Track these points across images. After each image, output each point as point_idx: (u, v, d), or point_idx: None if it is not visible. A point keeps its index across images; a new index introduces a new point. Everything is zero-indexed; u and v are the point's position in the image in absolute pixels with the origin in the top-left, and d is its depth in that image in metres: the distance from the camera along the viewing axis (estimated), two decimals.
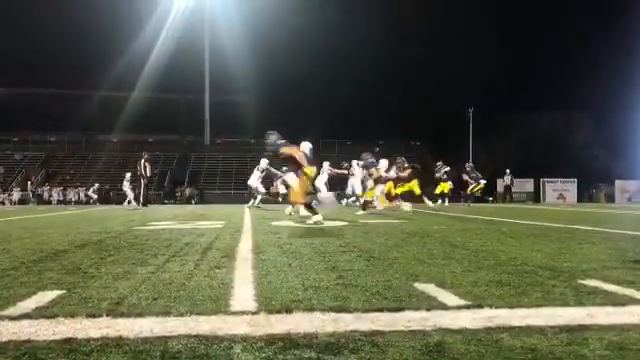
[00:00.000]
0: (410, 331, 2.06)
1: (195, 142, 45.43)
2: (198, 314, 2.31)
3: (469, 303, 2.52)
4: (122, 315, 2.30)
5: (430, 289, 2.85)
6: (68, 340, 1.93)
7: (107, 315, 2.29)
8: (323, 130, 39.67)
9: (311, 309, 2.40)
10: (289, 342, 1.92)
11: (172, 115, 45.98)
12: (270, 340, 1.94)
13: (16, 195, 34.28)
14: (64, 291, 2.83)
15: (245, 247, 5.06)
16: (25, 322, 2.19)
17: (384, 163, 13.77)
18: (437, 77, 43.72)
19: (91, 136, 44.61)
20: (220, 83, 43.57)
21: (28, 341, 1.92)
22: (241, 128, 44.74)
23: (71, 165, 41.04)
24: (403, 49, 43.37)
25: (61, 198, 34.47)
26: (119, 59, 39.59)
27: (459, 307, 2.46)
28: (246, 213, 13.44)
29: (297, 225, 8.23)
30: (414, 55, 43.54)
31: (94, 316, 2.27)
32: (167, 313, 2.33)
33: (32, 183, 36.32)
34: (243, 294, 2.75)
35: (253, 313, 2.34)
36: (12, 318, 2.27)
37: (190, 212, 15.00)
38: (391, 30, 44.26)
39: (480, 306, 2.45)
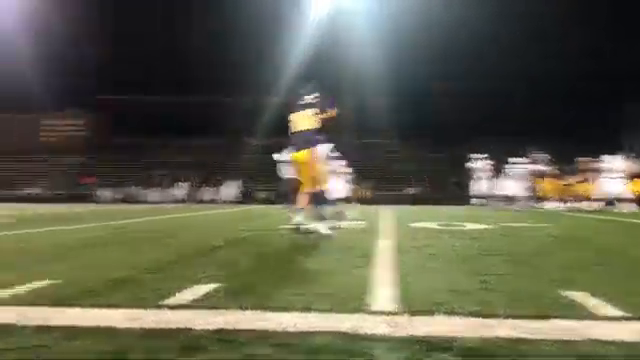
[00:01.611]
0: (557, 340, 1.96)
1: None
2: (339, 312, 2.38)
3: (626, 314, 2.34)
4: (269, 309, 2.43)
5: (579, 297, 2.69)
6: (221, 330, 2.08)
7: (256, 309, 2.43)
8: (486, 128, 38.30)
9: (452, 312, 2.37)
10: (429, 345, 1.92)
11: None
12: (410, 342, 1.95)
13: (179, 194, 37.21)
14: (217, 284, 3.05)
15: (385, 247, 5.09)
16: (183, 312, 2.40)
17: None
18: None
19: (237, 139, 47.09)
20: (358, 84, 43.99)
21: (187, 329, 2.11)
22: (379, 130, 44.84)
23: (222, 167, 43.68)
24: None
25: (215, 198, 36.91)
26: (261, 65, 41.35)
27: (613, 318, 2.29)
28: (383, 213, 13.48)
29: (437, 227, 8.11)
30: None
31: (244, 309, 2.43)
32: (309, 309, 2.42)
33: (191, 184, 39.25)
34: (383, 294, 2.78)
35: (393, 314, 2.36)
36: (171, 307, 2.49)
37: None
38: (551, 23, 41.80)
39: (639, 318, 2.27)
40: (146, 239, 6.39)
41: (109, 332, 2.06)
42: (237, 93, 45.76)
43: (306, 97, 6.84)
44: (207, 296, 2.76)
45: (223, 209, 16.77)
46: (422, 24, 39.87)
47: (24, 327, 2.12)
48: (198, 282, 3.13)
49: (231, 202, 33.00)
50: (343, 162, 14.94)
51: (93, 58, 42.92)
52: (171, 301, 2.62)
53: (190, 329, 2.11)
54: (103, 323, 2.18)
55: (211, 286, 3.00)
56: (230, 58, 42.68)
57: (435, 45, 40.78)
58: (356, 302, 2.59)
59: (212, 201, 34.60)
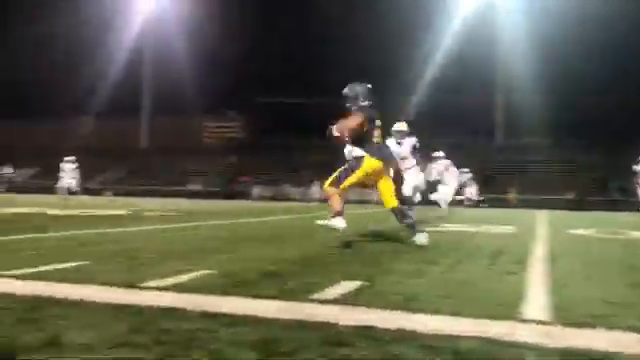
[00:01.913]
0: None
1: (484, 144, 44.64)
2: (488, 317, 2.30)
3: None
4: (416, 310, 2.42)
5: None
6: (367, 328, 2.11)
7: (402, 309, 2.44)
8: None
9: (611, 326, 2.19)
10: (584, 358, 1.79)
11: (458, 116, 45.83)
12: (563, 354, 1.84)
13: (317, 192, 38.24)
14: (365, 282, 3.10)
15: (539, 254, 4.83)
16: (331, 307, 2.47)
17: None
18: None
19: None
20: (510, 82, 42.02)
21: (334, 324, 2.16)
22: (533, 129, 42.44)
23: None
24: None
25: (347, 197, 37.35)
26: (405, 63, 40.93)
27: None
28: (538, 218, 12.76)
29: (597, 235, 7.52)
30: None
31: (390, 308, 2.44)
32: (457, 313, 2.37)
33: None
34: (536, 302, 2.65)
35: (546, 323, 2.24)
36: (320, 302, 2.58)
37: (478, 215, 14.85)
38: None
39: None
40: (295, 235, 6.65)
41: (263, 322, 2.18)
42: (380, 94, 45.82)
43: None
44: (354, 293, 2.81)
45: (365, 209, 16.92)
46: (576, 18, 37.17)
47: (189, 312, 2.31)
48: (345, 278, 3.19)
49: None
50: (447, 162, 14.31)
51: (249, 62, 45.38)
52: (319, 295, 2.71)
53: (337, 324, 2.16)
54: (258, 313, 2.30)
55: (357, 283, 3.05)
56: (374, 60, 42.82)
57: (590, 41, 37.80)
58: (507, 309, 2.49)
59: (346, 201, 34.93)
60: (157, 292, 2.72)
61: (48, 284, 2.85)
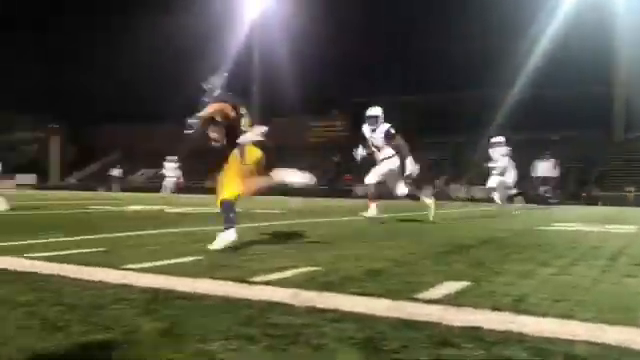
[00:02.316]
0: None
1: (600, 139, 41.88)
2: (603, 322, 2.18)
3: None
4: (524, 312, 2.34)
5: None
6: (473, 328, 2.07)
7: (509, 310, 2.36)
8: None
9: None
10: None
11: (570, 111, 43.29)
12: None
13: (428, 192, 37.73)
14: (470, 283, 3.03)
15: None
16: (436, 307, 2.44)
17: None
18: None
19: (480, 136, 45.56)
20: (630, 72, 39.07)
21: (439, 324, 2.14)
22: None
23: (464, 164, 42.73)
24: None
25: (466, 195, 36.47)
26: (509, 55, 39.22)
27: None
28: None
29: None
30: None
31: (497, 310, 2.38)
32: (569, 316, 2.27)
33: (444, 182, 39.36)
34: None
35: None
36: (426, 301, 2.56)
37: (596, 214, 13.98)
38: None
39: None
40: (400, 233, 6.62)
41: (368, 319, 2.20)
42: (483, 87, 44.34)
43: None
44: (459, 293, 2.76)
45: (477, 207, 16.46)
46: None
47: (296, 307, 2.38)
48: (450, 278, 3.14)
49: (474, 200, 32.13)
50: (506, 149, 13.28)
51: (353, 62, 45.61)
52: (424, 295, 2.69)
53: (442, 324, 2.14)
54: (363, 310, 2.33)
55: (463, 283, 3.00)
56: (476, 52, 41.46)
57: None
58: (625, 314, 2.34)
59: (457, 198, 34.15)
60: (265, 287, 2.82)
61: (166, 277, 3.04)
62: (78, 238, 5.06)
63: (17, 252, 3.91)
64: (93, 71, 49.07)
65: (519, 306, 2.46)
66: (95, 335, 1.90)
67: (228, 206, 4.62)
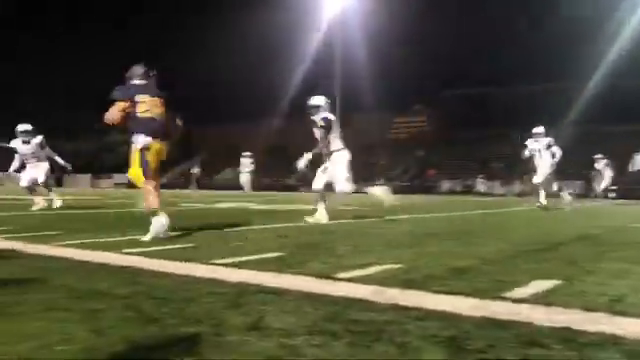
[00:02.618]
0: None
1: None
2: None
3: None
4: (620, 314, 2.22)
5: None
6: (563, 329, 1.99)
7: (604, 311, 2.25)
8: None
9: None
10: None
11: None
12: None
13: (516, 187, 36.45)
14: (560, 281, 2.92)
15: None
16: (523, 306, 2.37)
17: None
18: None
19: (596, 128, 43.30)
20: None
21: (527, 324, 2.08)
22: None
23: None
24: None
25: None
26: (586, 45, 37.04)
27: None
28: None
29: None
30: None
31: (590, 310, 2.27)
32: None
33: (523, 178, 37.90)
34: None
35: None
36: (513, 300, 2.48)
37: None
38: None
39: None
40: (485, 231, 6.46)
41: (453, 317, 2.17)
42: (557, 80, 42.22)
43: None
44: (548, 292, 2.66)
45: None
46: None
47: (379, 304, 2.39)
48: (539, 277, 3.04)
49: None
50: (547, 140, 12.44)
51: (435, 56, 44.87)
52: (511, 294, 2.61)
53: (530, 324, 2.07)
54: (447, 308, 2.30)
55: (553, 282, 2.89)
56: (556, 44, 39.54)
57: None
58: None
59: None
60: (348, 284, 2.84)
61: (252, 272, 3.13)
62: (169, 234, 5.29)
63: (115, 248, 4.15)
64: (178, 72, 51.05)
65: (615, 307, 2.34)
66: (187, 327, 1.99)
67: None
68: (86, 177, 54.47)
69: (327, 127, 7.43)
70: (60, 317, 2.10)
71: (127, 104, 5.17)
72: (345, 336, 1.89)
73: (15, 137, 10.23)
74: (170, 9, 54.65)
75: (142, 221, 5.31)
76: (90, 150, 59.17)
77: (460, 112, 44.23)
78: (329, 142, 7.53)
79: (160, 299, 2.44)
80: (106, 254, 3.83)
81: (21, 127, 10.22)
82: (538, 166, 12.32)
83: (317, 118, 7.45)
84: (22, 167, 10.34)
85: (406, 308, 2.31)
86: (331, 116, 7.55)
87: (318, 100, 7.64)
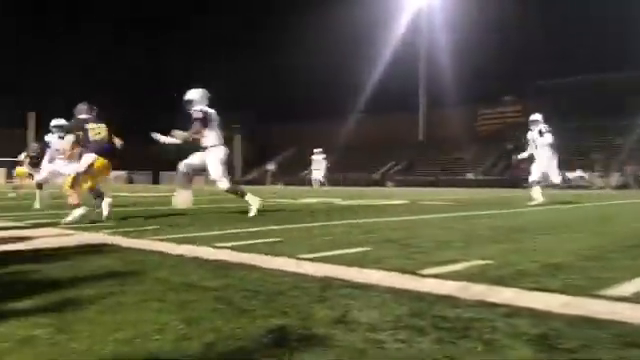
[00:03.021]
0: None
1: None
2: None
3: None
4: None
5: None
6: None
7: None
8: None
9: None
10: None
11: None
12: None
13: (614, 179, 34.53)
14: None
15: None
16: (623, 305, 2.25)
17: None
18: None
19: None
20: None
21: (625, 324, 1.97)
22: None
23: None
24: None
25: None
26: None
27: None
28: None
29: None
30: None
31: None
32: None
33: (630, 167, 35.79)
34: None
35: None
36: (610, 299, 2.36)
37: None
38: None
39: None
40: (582, 225, 6.16)
41: (544, 315, 2.09)
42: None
43: None
44: None
45: None
46: None
47: (466, 300, 2.34)
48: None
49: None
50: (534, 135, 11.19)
51: (529, 44, 43.24)
52: (609, 292, 2.49)
53: (630, 323, 1.96)
54: (538, 306, 2.22)
55: None
56: None
57: None
58: None
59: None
60: (434, 279, 2.80)
61: (336, 267, 3.15)
62: (256, 229, 5.43)
63: (206, 242, 4.31)
64: (257, 71, 52.17)
65: None
66: (275, 320, 2.04)
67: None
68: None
69: (201, 120, 7.26)
70: (155, 307, 2.22)
71: (80, 132, 6.72)
72: (431, 332, 1.88)
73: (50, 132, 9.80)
74: (247, 9, 56.01)
75: (231, 217, 5.48)
76: (185, 149, 61.62)
77: (557, 102, 42.28)
78: (205, 136, 7.36)
79: (249, 292, 2.52)
80: (198, 248, 3.98)
81: (55, 122, 9.81)
82: (536, 159, 11.19)
83: (192, 111, 7.33)
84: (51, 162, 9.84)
85: (494, 305, 2.25)
86: (208, 110, 7.41)
87: (192, 94, 7.46)
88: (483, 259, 3.43)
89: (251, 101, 53.98)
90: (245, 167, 54.37)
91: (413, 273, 2.97)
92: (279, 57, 50.36)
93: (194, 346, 1.73)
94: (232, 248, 3.96)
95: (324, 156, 24.16)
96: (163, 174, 55.91)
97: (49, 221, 6.24)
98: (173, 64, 53.63)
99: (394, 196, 15.88)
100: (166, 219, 6.65)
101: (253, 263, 3.31)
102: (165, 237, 4.66)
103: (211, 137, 7.36)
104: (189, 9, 58.47)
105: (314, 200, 12.85)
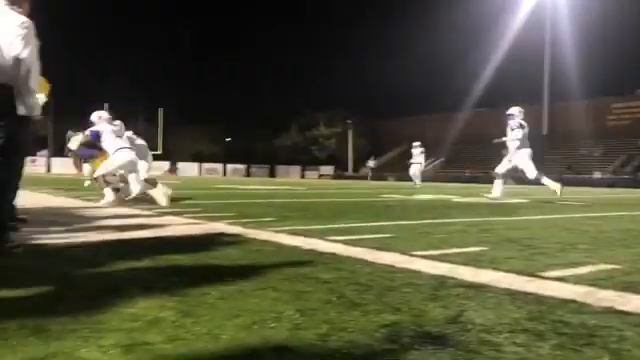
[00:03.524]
0: None
1: None
2: None
3: None
4: None
5: None
6: None
7: None
8: None
9: None
10: None
11: None
12: None
13: None
14: None
15: None
16: None
17: None
18: None
19: None
20: None
21: None
22: None
23: None
24: None
25: None
26: None
27: None
28: None
29: None
30: None
31: None
32: None
33: None
34: None
35: None
36: None
37: None
38: None
39: None
40: None
41: None
42: None
43: None
44: None
45: None
46: None
47: (590, 306, 2.21)
48: None
49: None
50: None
51: None
52: None
53: None
54: None
55: None
56: None
57: None
58: None
59: None
60: (555, 282, 2.67)
61: (451, 266, 3.09)
62: (369, 224, 5.45)
63: (319, 235, 4.39)
64: (371, 68, 52.15)
65: None
66: (387, 315, 2.04)
67: None
68: (296, 168, 58.61)
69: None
70: (271, 296, 2.29)
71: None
72: (551, 337, 1.79)
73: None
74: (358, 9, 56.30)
75: (344, 211, 5.53)
76: (300, 144, 63.36)
77: None
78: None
79: (362, 285, 2.54)
80: (312, 240, 4.07)
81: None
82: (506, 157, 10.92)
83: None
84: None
85: (624, 313, 2.10)
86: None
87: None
88: (611, 263, 3.21)
89: (364, 97, 54.32)
90: (360, 161, 54.79)
91: (532, 275, 2.84)
92: (398, 57, 50.27)
93: (308, 336, 1.78)
94: (344, 242, 4.01)
95: (422, 149, 23.69)
96: (279, 168, 57.60)
97: (173, 210, 6.65)
98: (287, 62, 55.37)
99: (513, 194, 15.25)
100: (280, 210, 6.86)
101: (365, 257, 3.32)
102: (280, 228, 4.80)
103: (116, 141, 7.84)
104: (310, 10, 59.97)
105: (429, 197, 12.65)
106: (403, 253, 3.53)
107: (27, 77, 3.38)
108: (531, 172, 10.65)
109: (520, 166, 10.77)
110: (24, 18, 3.46)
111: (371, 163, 43.54)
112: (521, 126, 10.75)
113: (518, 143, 10.76)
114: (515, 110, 10.95)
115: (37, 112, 3.59)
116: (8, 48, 3.33)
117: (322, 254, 3.46)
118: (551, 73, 41.26)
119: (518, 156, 10.77)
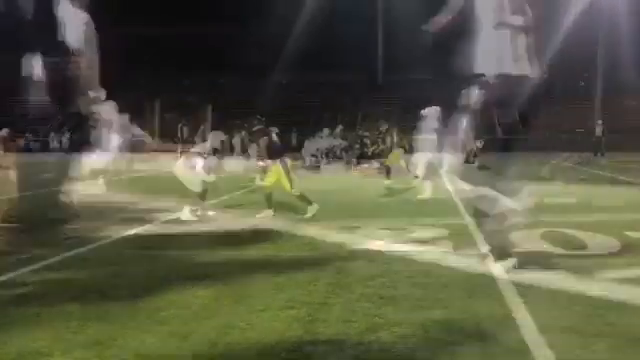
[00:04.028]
0: None
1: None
2: None
3: None
4: None
5: None
6: None
7: None
8: None
9: None
10: None
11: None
12: None
13: None
14: None
15: None
16: None
17: None
18: None
19: None
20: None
21: None
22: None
23: None
24: None
25: None
26: None
27: None
28: None
29: None
30: None
31: None
32: None
33: None
34: None
35: None
36: None
37: None
38: None
39: None
40: None
41: None
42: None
43: None
44: None
45: None
46: None
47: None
48: None
49: None
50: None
51: None
52: None
53: None
54: None
55: None
56: None
57: None
58: None
59: None
60: (609, 284, 2.61)
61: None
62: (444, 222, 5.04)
63: (367, 231, 4.24)
64: None
65: None
66: (438, 311, 2.08)
67: None
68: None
69: None
70: (323, 290, 2.37)
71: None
72: (600, 337, 1.78)
73: None
74: None
75: (406, 210, 5.28)
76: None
77: None
78: None
79: (416, 284, 2.54)
80: (369, 240, 3.89)
81: None
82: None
83: None
84: None
85: None
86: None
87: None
88: None
89: None
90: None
91: (586, 275, 2.74)
92: None
93: (359, 329, 1.84)
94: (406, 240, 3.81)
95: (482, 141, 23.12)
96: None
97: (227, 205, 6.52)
98: None
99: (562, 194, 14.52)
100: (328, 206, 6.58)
101: (411, 256, 3.24)
102: (329, 224, 4.59)
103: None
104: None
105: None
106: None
107: None
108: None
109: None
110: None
111: None
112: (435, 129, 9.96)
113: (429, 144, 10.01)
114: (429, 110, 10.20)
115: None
116: None
117: (368, 250, 3.42)
118: (610, 65, 39.71)
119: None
